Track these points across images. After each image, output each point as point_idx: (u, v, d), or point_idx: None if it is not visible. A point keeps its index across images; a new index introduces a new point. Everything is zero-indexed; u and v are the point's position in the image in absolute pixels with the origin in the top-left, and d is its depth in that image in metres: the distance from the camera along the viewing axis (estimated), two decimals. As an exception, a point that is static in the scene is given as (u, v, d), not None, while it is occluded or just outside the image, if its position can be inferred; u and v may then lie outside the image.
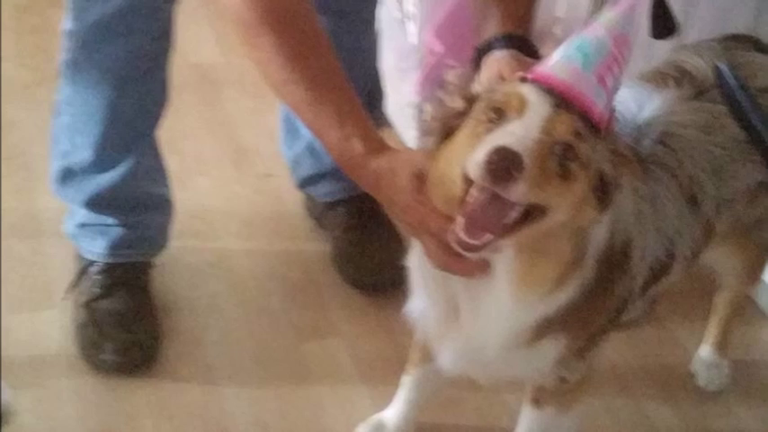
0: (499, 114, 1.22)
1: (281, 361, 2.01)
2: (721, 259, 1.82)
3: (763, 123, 1.39)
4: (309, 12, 1.46)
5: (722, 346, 2.02)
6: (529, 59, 1.43)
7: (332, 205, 2.26)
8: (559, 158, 1.20)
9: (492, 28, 1.49)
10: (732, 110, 1.45)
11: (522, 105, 1.21)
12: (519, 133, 1.18)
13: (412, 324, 1.51)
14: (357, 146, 1.41)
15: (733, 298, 1.97)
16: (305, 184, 2.31)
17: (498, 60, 1.45)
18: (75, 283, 2.04)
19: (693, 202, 1.52)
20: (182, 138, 2.53)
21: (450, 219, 1.25)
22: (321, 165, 2.20)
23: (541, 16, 1.74)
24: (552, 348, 1.44)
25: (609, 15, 1.26)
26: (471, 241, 1.21)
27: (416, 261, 1.43)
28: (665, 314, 2.15)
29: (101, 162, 1.95)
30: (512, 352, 1.42)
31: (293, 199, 2.38)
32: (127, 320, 1.95)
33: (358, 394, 1.94)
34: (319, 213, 2.31)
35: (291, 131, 2.25)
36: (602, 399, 1.95)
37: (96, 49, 1.85)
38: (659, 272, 1.52)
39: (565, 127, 1.20)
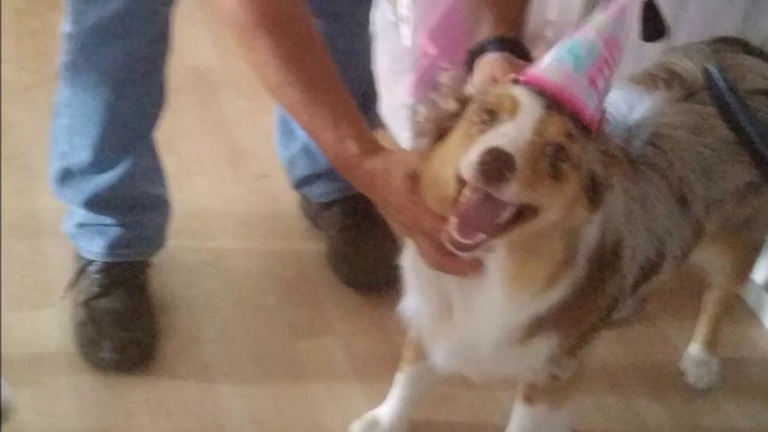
0: (492, 116, 1.23)
1: (276, 359, 2.02)
2: (711, 258, 1.83)
3: (751, 125, 1.40)
4: (305, 15, 1.47)
5: (711, 344, 2.03)
6: (521, 62, 1.44)
7: (327, 205, 2.27)
8: (551, 159, 1.21)
9: (485, 31, 1.50)
10: (721, 111, 1.46)
11: (514, 107, 1.22)
12: (511, 134, 1.19)
13: (406, 322, 1.52)
14: (352, 147, 1.42)
15: (722, 297, 1.98)
16: (300, 184, 2.32)
17: (491, 63, 1.46)
18: (74, 282, 2.05)
19: (683, 202, 1.52)
20: (179, 139, 2.53)
21: (444, 219, 1.25)
22: (316, 165, 2.21)
23: (533, 19, 1.75)
24: (544, 346, 1.45)
25: (600, 18, 1.27)
26: (464, 241, 1.22)
27: (410, 260, 1.44)
28: (655, 313, 2.17)
29: (99, 163, 1.96)
30: (504, 350, 1.42)
31: (289, 199, 2.39)
32: (125, 319, 1.96)
33: (352, 392, 1.95)
34: (314, 213, 2.32)
35: (287, 133, 2.26)
36: (594, 396, 1.96)
37: (95, 51, 1.85)
38: (649, 271, 1.53)
39: (556, 128, 1.21)
